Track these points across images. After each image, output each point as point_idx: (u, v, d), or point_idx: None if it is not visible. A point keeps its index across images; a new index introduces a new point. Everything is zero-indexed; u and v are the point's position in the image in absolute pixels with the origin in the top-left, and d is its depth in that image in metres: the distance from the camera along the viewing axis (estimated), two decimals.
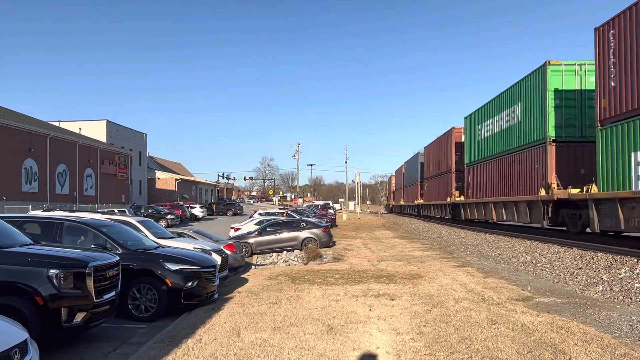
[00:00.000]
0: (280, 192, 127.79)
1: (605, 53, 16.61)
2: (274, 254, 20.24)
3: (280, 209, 51.17)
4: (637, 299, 9.56)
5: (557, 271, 13.42)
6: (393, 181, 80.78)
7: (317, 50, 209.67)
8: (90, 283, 6.61)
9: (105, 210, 29.93)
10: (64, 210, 15.79)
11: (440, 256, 18.65)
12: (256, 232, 21.49)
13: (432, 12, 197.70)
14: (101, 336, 7.75)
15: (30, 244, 7.18)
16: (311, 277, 13.14)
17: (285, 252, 20.56)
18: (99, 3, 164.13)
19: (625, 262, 12.95)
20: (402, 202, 66.73)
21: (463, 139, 34.26)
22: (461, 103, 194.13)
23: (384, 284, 11.90)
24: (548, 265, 14.39)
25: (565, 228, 20.33)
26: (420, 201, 50.87)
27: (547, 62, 20.50)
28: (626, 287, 10.47)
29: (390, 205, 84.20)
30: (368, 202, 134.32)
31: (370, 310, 8.95)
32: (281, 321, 8.09)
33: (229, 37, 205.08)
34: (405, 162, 64.10)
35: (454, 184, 35.63)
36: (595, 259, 14.12)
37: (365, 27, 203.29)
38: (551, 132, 20.12)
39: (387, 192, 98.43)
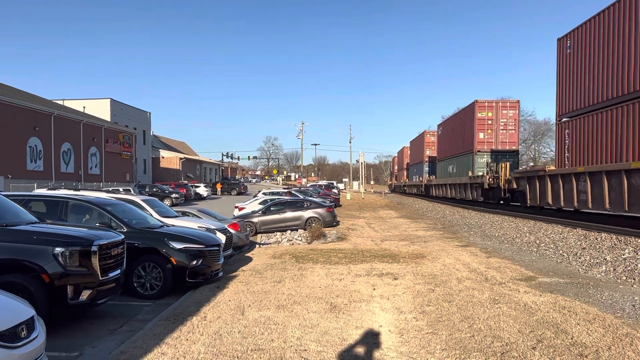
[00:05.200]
0: (285, 172, 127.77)
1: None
2: (278, 233, 20.33)
3: (284, 188, 51.26)
4: None
5: (561, 251, 13.43)
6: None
7: (322, 33, 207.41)
8: (95, 261, 6.66)
9: (110, 188, 30.10)
10: (69, 189, 15.85)
11: (444, 236, 18.68)
12: (260, 212, 21.54)
13: None
14: (107, 313, 7.85)
15: (35, 222, 7.21)
16: (315, 256, 13.21)
17: (289, 231, 20.65)
18: None
19: (629, 242, 12.95)
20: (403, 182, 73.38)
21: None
22: (464, 86, 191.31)
23: (387, 263, 11.96)
24: (552, 246, 14.40)
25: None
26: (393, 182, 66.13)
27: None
28: (629, 268, 10.48)
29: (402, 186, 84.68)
30: (372, 182, 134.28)
31: (373, 289, 9.01)
32: (285, 299, 8.15)
33: (233, 22, 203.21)
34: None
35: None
36: (599, 239, 14.12)
37: (374, 13, 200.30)
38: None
39: (393, 168, 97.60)
